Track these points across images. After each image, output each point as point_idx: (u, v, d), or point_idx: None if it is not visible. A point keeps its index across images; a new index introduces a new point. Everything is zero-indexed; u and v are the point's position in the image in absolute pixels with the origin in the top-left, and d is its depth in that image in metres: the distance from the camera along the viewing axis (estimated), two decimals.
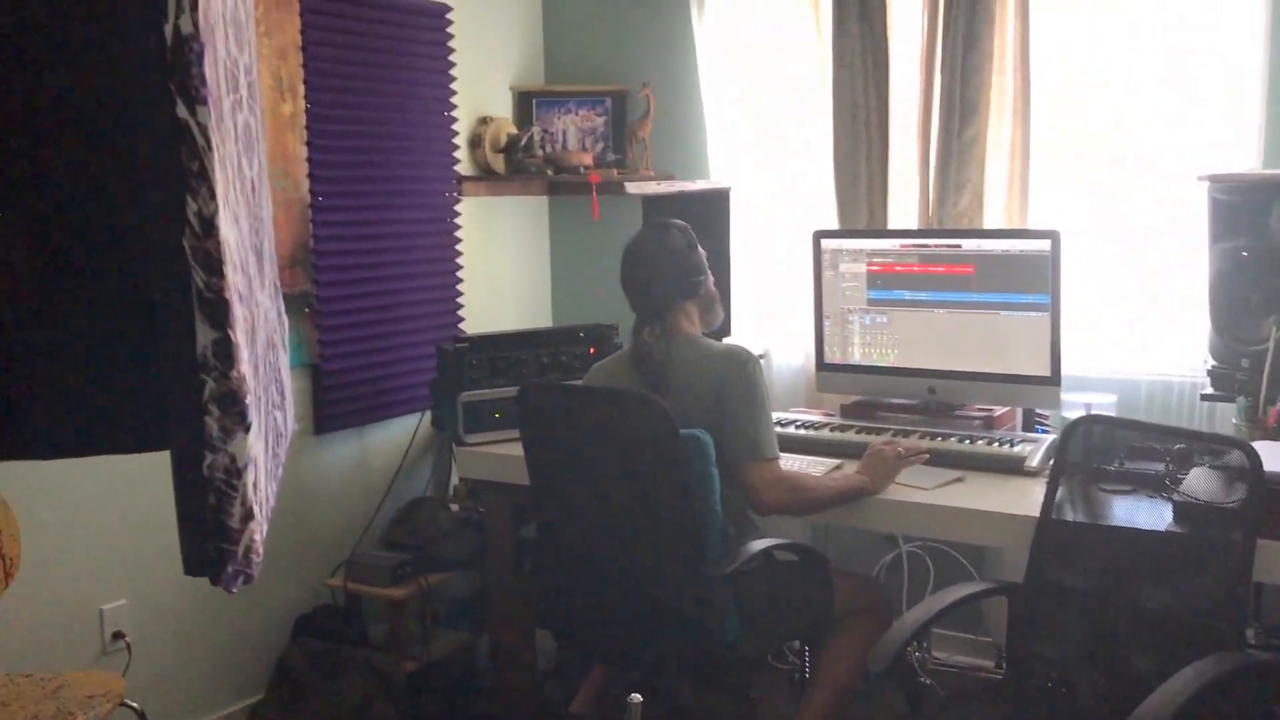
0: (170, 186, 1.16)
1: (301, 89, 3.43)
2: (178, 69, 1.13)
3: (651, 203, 3.60)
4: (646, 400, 2.55)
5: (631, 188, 3.71)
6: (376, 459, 3.78)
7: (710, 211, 3.63)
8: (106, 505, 3.05)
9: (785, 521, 2.95)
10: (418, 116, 3.75)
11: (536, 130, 4.04)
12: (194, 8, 1.13)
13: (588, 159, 3.94)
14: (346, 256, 3.57)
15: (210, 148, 1.16)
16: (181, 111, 1.14)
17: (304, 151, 3.44)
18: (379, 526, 3.73)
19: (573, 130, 4.14)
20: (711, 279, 2.90)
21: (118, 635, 3.11)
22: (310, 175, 3.46)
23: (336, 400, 3.58)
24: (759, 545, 2.64)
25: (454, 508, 3.76)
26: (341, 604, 3.57)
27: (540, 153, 3.99)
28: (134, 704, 2.76)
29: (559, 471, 2.74)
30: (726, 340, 2.99)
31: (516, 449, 2.88)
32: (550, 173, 3.97)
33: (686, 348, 2.77)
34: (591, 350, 3.44)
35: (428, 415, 3.75)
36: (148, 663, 3.16)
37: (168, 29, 1.13)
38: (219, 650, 3.37)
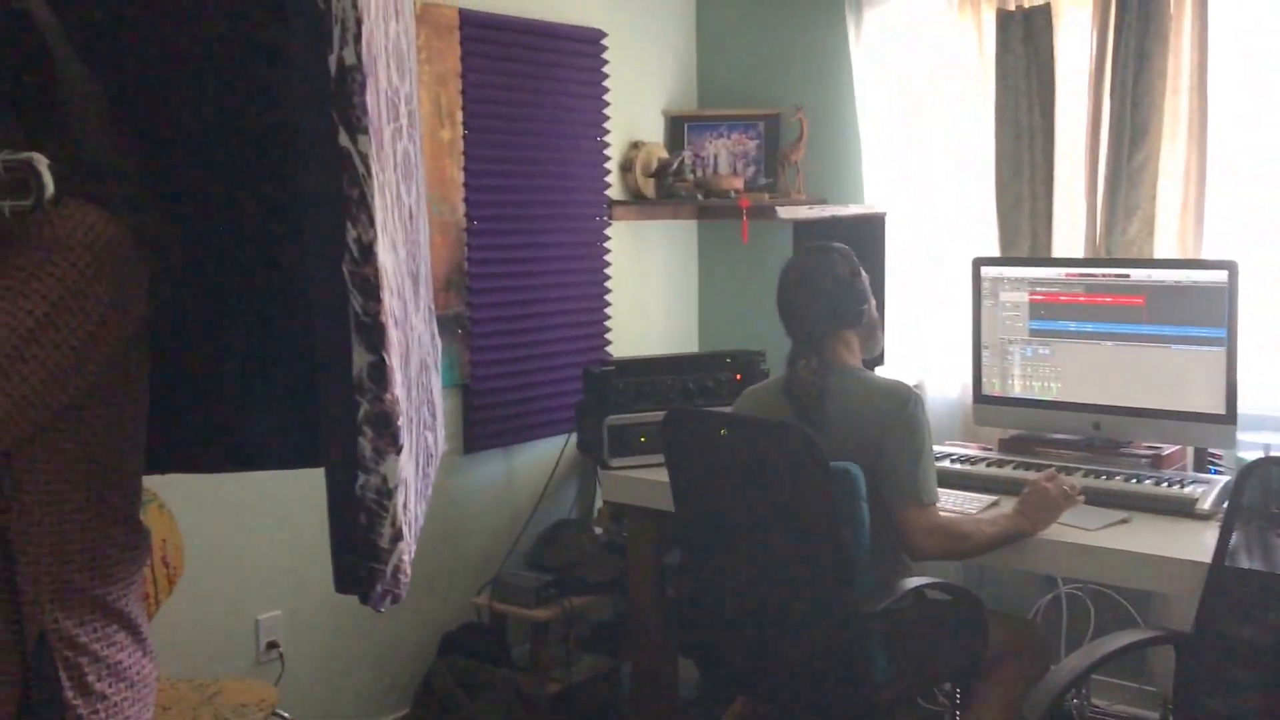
0: (331, 213, 1.20)
1: (460, 115, 3.52)
2: (341, 98, 1.17)
3: (803, 228, 3.57)
4: (794, 430, 2.52)
5: (783, 212, 3.69)
6: (523, 479, 3.84)
7: (864, 237, 3.58)
8: (264, 518, 3.17)
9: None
10: (571, 141, 3.82)
11: (687, 154, 4.06)
12: (358, 39, 1.16)
13: (738, 183, 3.94)
14: (499, 279, 3.65)
15: (370, 175, 1.19)
16: (344, 140, 1.18)
17: (461, 176, 3.54)
18: (524, 547, 3.79)
19: (724, 154, 4.15)
20: (874, 305, 2.82)
21: (272, 645, 3.23)
22: (466, 199, 3.55)
23: (485, 420, 3.65)
24: (911, 583, 2.58)
25: (598, 531, 3.79)
26: (486, 623, 3.63)
27: (690, 177, 4.01)
28: (285, 714, 2.86)
29: (703, 499, 2.73)
30: (882, 371, 2.93)
31: (661, 474, 2.88)
32: (700, 197, 3.98)
33: (846, 379, 2.70)
34: (738, 376, 3.42)
35: (574, 437, 3.80)
36: (299, 673, 3.27)
37: (332, 60, 1.17)
38: (367, 664, 3.47)
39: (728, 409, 2.95)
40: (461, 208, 3.55)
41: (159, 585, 2.73)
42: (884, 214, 3.72)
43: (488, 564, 3.70)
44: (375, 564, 1.22)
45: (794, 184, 3.95)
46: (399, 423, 1.24)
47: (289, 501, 3.14)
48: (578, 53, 3.83)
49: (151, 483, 1.59)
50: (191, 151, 1.58)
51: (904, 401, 2.62)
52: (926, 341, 3.81)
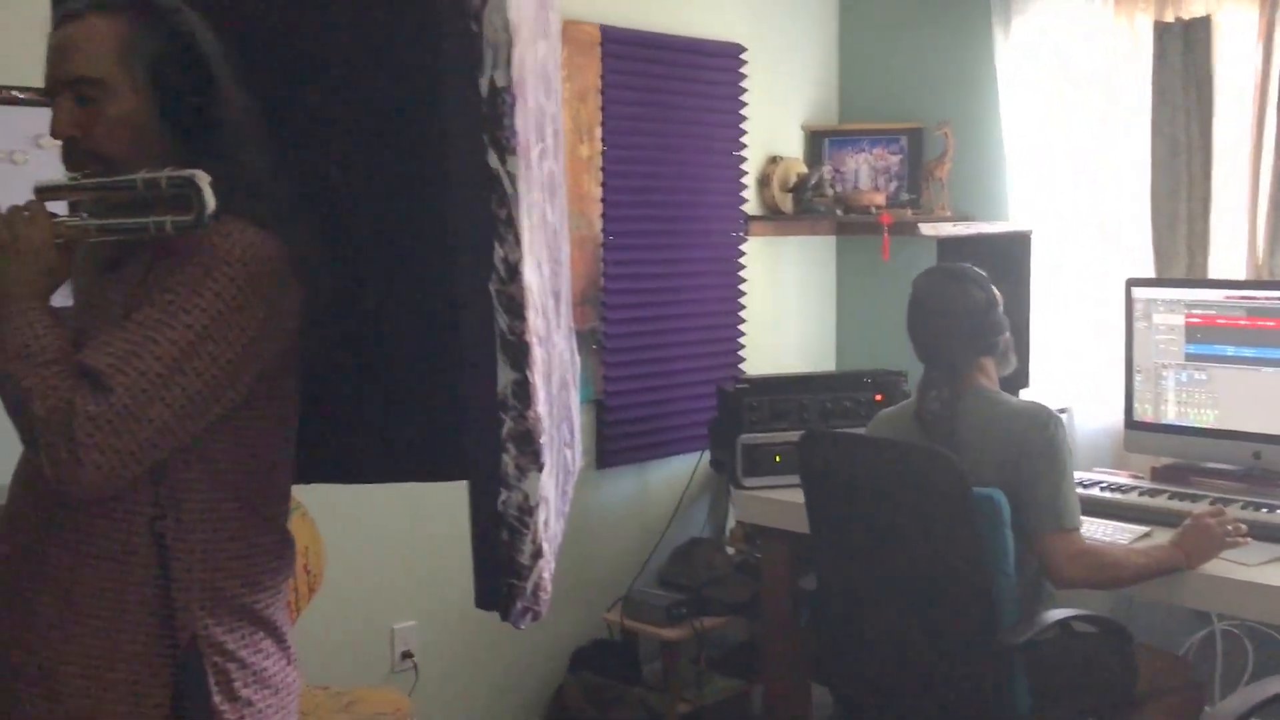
0: (479, 233, 1.23)
1: (598, 131, 3.57)
2: (491, 120, 1.21)
3: (947, 245, 3.51)
4: (936, 455, 2.47)
5: (926, 229, 3.63)
6: (655, 496, 3.85)
7: (1010, 256, 3.50)
8: (401, 529, 3.24)
9: (1084, 590, 2.79)
10: (708, 156, 3.83)
11: (827, 169, 4.03)
12: (508, 62, 1.19)
13: (880, 199, 3.90)
14: (634, 295, 3.68)
15: (518, 196, 1.22)
16: (493, 161, 1.21)
17: (598, 192, 3.58)
18: (656, 564, 3.80)
19: (865, 169, 4.11)
20: (1008, 333, 2.76)
21: (406, 655, 3.30)
22: (603, 215, 3.59)
23: (618, 436, 3.68)
24: (1055, 615, 2.51)
25: (730, 550, 3.78)
26: (617, 640, 3.64)
27: (830, 192, 3.98)
28: None
29: (840, 523, 2.70)
30: (1025, 394, 2.86)
31: (795, 495, 2.86)
32: (839, 212, 3.95)
33: (982, 403, 2.65)
34: (878, 397, 3.37)
35: (706, 455, 3.79)
36: (432, 683, 3.33)
37: (483, 82, 1.20)
38: (499, 676, 3.51)
39: (864, 431, 2.92)
40: (598, 223, 3.59)
41: (300, 593, 2.81)
42: (1030, 232, 3.63)
43: (619, 580, 3.72)
44: (516, 581, 1.25)
45: (938, 200, 3.88)
46: (541, 440, 1.26)
47: (425, 512, 3.21)
48: (717, 67, 3.84)
49: (294, 490, 1.64)
50: (341, 171, 1.64)
51: (1043, 423, 2.56)
52: (1075, 365, 3.71)
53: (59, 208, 1.48)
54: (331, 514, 2.92)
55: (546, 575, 1.28)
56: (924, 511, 2.49)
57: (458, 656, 3.41)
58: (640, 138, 3.66)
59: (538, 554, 1.25)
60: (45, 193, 1.44)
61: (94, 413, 1.31)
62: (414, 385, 1.69)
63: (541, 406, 1.29)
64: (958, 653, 2.49)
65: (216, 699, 1.48)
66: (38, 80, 2.33)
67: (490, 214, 1.22)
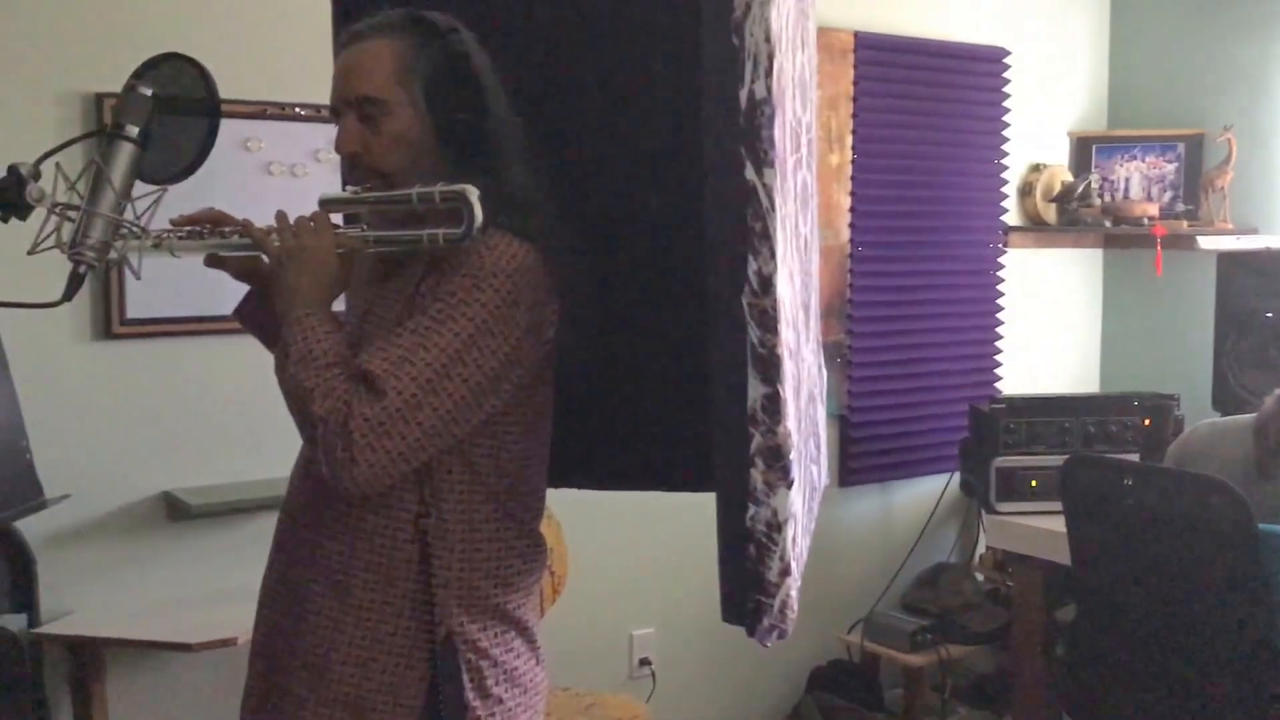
0: (734, 246, 1.24)
1: (849, 139, 3.54)
2: (749, 132, 1.22)
3: (1227, 260, 3.31)
4: (1216, 485, 2.33)
5: (1204, 242, 3.44)
6: (899, 517, 3.78)
7: None
8: (642, 536, 3.30)
9: None
10: (965, 164, 3.74)
11: (1095, 178, 3.87)
12: (768, 74, 1.20)
13: (1153, 209, 3.71)
14: (882, 307, 3.63)
15: (774, 209, 1.23)
16: (749, 173, 1.22)
17: (847, 201, 3.55)
18: (898, 587, 3.73)
19: (1137, 178, 3.92)
20: None
21: (644, 661, 3.36)
22: (851, 224, 3.55)
23: (862, 454, 3.63)
24: None
25: (979, 577, 3.67)
26: (856, 662, 3.60)
27: (1098, 202, 3.82)
28: None
29: (1105, 555, 2.58)
30: None
31: (1052, 522, 2.76)
32: (1108, 224, 3.78)
33: None
34: (1147, 422, 3.20)
35: (956, 476, 3.70)
36: (670, 692, 3.37)
37: (743, 94, 1.21)
38: (735, 689, 3.53)
39: (1134, 457, 2.78)
40: (846, 233, 3.56)
41: (544, 594, 2.90)
42: None
43: (859, 602, 3.67)
44: (763, 598, 1.25)
45: (1219, 211, 3.66)
46: (790, 456, 1.26)
47: (666, 520, 3.25)
48: (978, 72, 3.75)
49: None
50: (597, 184, 1.69)
51: None
52: None
53: (336, 219, 1.59)
54: (573, 518, 2.99)
55: (794, 593, 1.28)
56: (1201, 547, 2.35)
57: (695, 667, 3.44)
58: (893, 145, 3.61)
59: (785, 571, 1.25)
60: (329, 205, 1.54)
61: (369, 414, 1.40)
62: (664, 396, 1.72)
63: (791, 421, 1.29)
64: (1231, 705, 2.33)
65: (470, 694, 1.54)
66: (317, 98, 2.51)
67: (745, 227, 1.23)
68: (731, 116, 1.22)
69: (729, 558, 1.29)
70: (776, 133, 1.23)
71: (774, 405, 1.26)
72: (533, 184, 1.57)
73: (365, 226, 1.52)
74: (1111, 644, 2.60)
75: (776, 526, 1.25)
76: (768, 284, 1.24)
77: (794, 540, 1.30)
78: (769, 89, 1.21)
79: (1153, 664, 2.49)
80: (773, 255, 1.23)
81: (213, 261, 1.60)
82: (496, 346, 1.47)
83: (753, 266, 1.24)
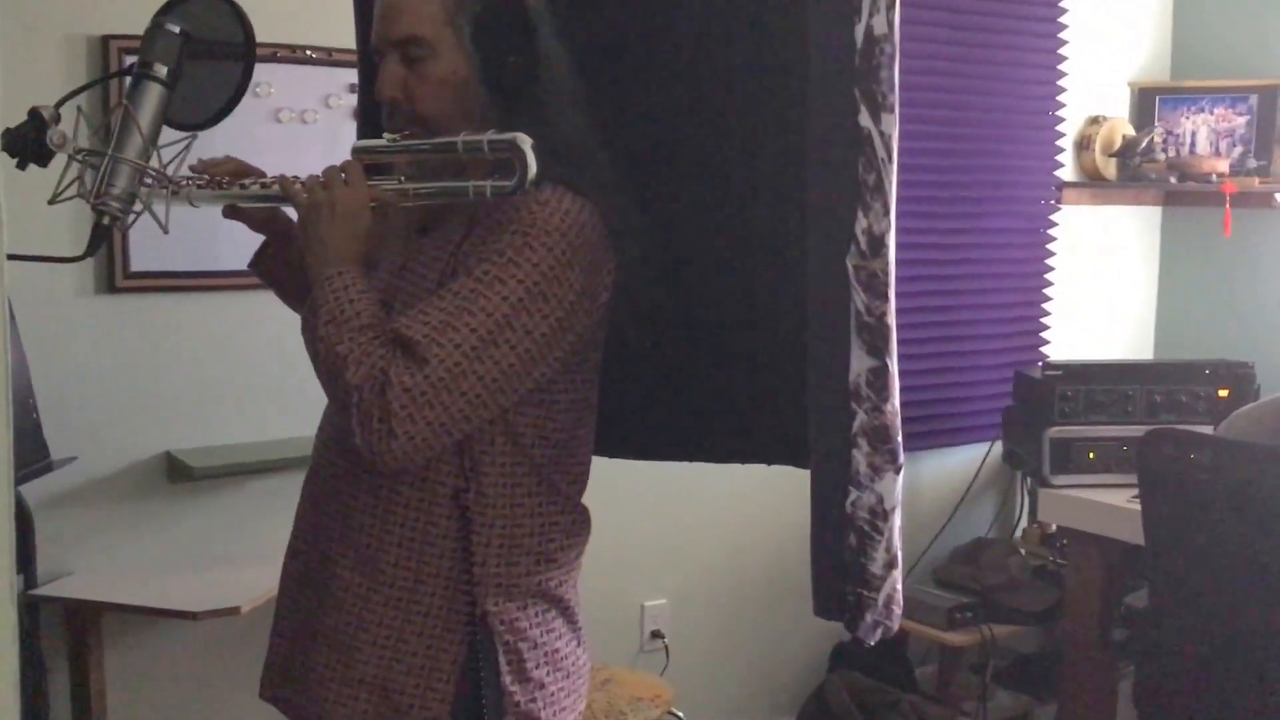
0: (842, 200, 1.15)
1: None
2: (865, 73, 1.12)
3: None
4: None
5: None
6: (932, 488, 3.70)
7: None
8: (654, 504, 3.22)
9: None
10: (1017, 116, 3.64)
11: (1159, 131, 3.78)
12: (891, 5, 1.11)
13: (1222, 165, 3.62)
14: (923, 266, 3.52)
15: (891, 159, 1.14)
16: (864, 120, 1.13)
17: None
18: (930, 562, 3.66)
19: (1204, 132, 3.82)
20: None
21: (656, 634, 3.30)
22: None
23: None
24: None
25: (1021, 552, 3.60)
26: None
27: (1161, 157, 3.72)
28: (679, 713, 2.90)
29: (1184, 537, 2.50)
30: None
31: (1111, 495, 2.69)
32: (1173, 180, 3.69)
33: None
34: (1223, 393, 3.10)
35: (997, 446, 3.62)
36: (683, 666, 3.31)
37: (859, 30, 1.12)
38: (752, 664, 3.47)
39: (1211, 429, 2.69)
40: None
41: None
42: None
43: None
44: (866, 591, 1.18)
45: None
46: (898, 439, 1.18)
47: (678, 487, 3.18)
48: (1033, 17, 3.63)
49: None
50: (664, 133, 1.59)
51: None
52: None
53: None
54: (590, 487, 2.93)
55: (899, 587, 1.20)
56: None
57: (710, 640, 3.38)
58: (939, 94, 3.50)
59: (892, 564, 1.18)
60: (363, 154, 1.45)
61: (409, 384, 1.32)
62: (717, 363, 1.64)
63: (898, 399, 1.21)
64: None
65: (507, 679, 1.48)
66: (328, 40, 2.41)
67: (856, 179, 1.14)
68: (845, 56, 1.12)
69: (824, 546, 1.21)
70: (896, 74, 1.14)
71: (881, 380, 1.18)
72: (588, 133, 1.48)
73: (403, 179, 1.43)
74: (1185, 636, 2.53)
75: (882, 515, 1.18)
76: (879, 245, 1.15)
77: (899, 529, 1.22)
78: (890, 23, 1.12)
79: (1229, 659, 2.42)
80: (886, 212, 1.15)
81: (232, 212, 1.52)
82: (548, 311, 1.39)
83: (862, 224, 1.16)
